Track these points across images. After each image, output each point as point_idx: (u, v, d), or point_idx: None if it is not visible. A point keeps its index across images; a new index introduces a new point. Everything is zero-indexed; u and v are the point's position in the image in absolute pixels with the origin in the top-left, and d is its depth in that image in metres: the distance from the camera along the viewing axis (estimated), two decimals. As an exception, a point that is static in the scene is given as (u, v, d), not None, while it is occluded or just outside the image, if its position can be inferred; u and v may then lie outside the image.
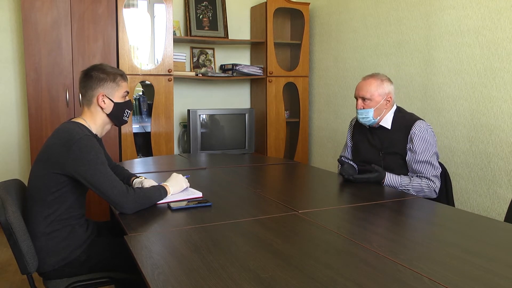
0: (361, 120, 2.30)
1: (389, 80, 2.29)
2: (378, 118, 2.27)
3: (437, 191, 2.18)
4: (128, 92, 1.89)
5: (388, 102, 2.25)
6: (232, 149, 4.09)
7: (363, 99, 2.25)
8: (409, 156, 2.21)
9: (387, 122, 2.28)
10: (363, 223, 1.63)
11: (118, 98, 1.84)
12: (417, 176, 2.19)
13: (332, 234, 1.48)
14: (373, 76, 2.28)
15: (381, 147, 2.30)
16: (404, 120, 2.26)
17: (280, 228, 1.54)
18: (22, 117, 3.69)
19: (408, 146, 2.21)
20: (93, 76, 1.81)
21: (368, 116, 2.25)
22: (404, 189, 2.17)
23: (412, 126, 2.19)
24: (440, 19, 3.00)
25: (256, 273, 1.16)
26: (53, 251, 1.70)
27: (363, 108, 2.25)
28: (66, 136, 1.68)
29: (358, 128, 2.46)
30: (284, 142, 4.29)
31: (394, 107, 2.31)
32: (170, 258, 1.27)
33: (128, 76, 2.70)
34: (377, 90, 2.23)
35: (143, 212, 1.72)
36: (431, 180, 2.16)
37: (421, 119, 2.24)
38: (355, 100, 2.30)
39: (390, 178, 2.19)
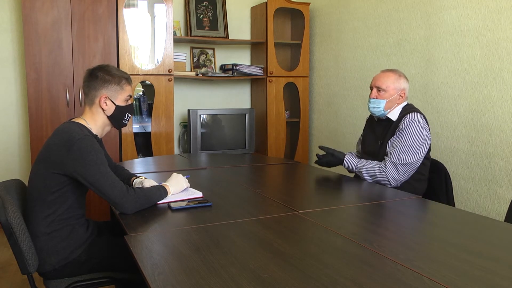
0: (371, 110, 2.35)
1: (406, 77, 2.35)
2: (388, 111, 2.31)
3: (391, 180, 2.19)
4: (131, 96, 1.89)
5: (401, 97, 2.31)
6: (232, 149, 4.09)
7: (378, 89, 2.31)
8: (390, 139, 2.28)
9: (394, 115, 2.32)
10: (363, 223, 1.63)
11: (120, 102, 1.84)
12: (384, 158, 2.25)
13: (332, 234, 1.48)
14: (392, 70, 2.35)
15: (380, 137, 2.36)
16: (405, 112, 2.30)
17: (280, 228, 1.54)
18: (22, 117, 3.69)
19: (395, 131, 2.27)
20: (98, 77, 1.81)
21: (379, 107, 2.30)
22: (358, 172, 2.29)
23: (405, 115, 2.24)
24: (440, 19, 3.00)
25: (256, 273, 1.16)
26: (53, 251, 1.70)
27: (376, 98, 2.31)
28: (66, 137, 1.68)
29: (369, 121, 2.54)
30: (284, 142, 4.30)
31: (405, 103, 2.36)
32: (170, 258, 1.27)
33: (128, 76, 2.70)
34: (393, 83, 2.29)
35: (144, 212, 1.72)
36: (385, 163, 2.19)
37: (420, 113, 2.26)
38: (370, 90, 2.37)
39: (349, 160, 2.34)
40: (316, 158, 2.52)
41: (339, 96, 4.03)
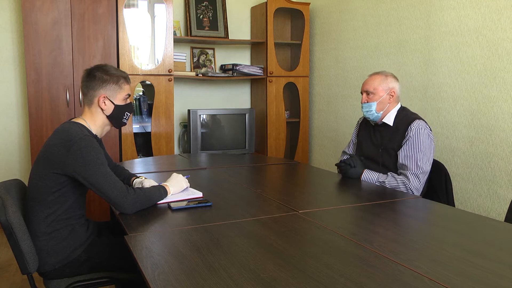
0: (365, 114, 2.36)
1: (394, 77, 2.34)
2: (382, 112, 2.31)
3: (415, 192, 2.19)
4: (129, 95, 1.89)
5: (391, 97, 2.30)
6: (232, 149, 4.09)
7: (367, 93, 2.32)
8: (400, 151, 2.24)
9: (389, 119, 2.32)
10: (363, 223, 1.63)
11: (119, 101, 1.84)
12: (399, 172, 2.23)
13: (332, 234, 1.48)
14: (378, 72, 2.36)
15: (380, 144, 2.34)
16: (406, 118, 2.29)
17: (280, 228, 1.54)
18: (22, 117, 3.69)
19: (403, 142, 2.24)
20: (96, 77, 1.80)
21: (371, 109, 2.30)
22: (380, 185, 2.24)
23: (411, 123, 2.23)
24: (440, 19, 3.00)
25: (256, 273, 1.16)
26: (53, 251, 1.70)
27: (367, 102, 2.32)
28: (66, 137, 1.68)
29: (364, 126, 2.52)
30: (284, 142, 4.30)
31: (399, 106, 2.35)
32: (170, 258, 1.27)
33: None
34: (380, 84, 2.30)
35: (144, 212, 1.72)
36: (407, 177, 2.18)
37: (422, 119, 2.26)
38: (361, 96, 2.37)
39: (368, 175, 2.28)
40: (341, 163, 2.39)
41: (339, 96, 4.03)
